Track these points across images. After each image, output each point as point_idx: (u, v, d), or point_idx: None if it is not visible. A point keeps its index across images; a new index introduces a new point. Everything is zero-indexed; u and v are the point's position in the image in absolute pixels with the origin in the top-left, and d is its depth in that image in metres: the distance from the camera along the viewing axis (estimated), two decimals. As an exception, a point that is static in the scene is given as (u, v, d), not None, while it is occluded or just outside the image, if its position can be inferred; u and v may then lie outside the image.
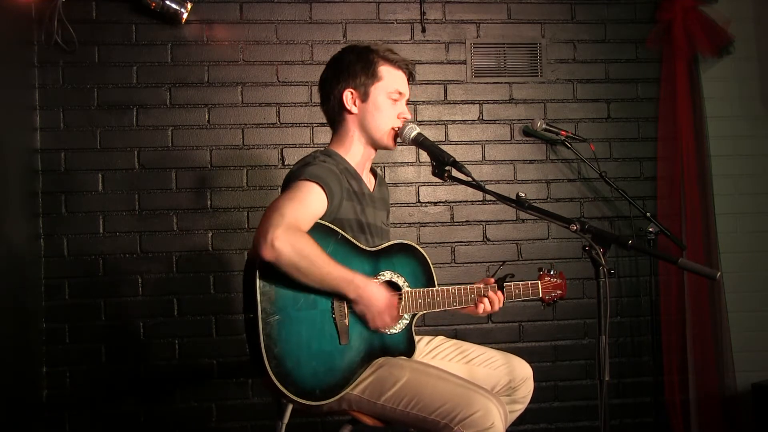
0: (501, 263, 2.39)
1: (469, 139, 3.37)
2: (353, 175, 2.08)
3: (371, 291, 1.91)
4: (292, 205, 1.83)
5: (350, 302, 1.92)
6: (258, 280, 1.81)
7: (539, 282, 2.28)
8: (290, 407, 1.97)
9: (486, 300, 2.14)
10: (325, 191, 1.90)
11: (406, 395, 1.87)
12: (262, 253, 1.75)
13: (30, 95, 3.09)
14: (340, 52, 2.15)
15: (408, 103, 2.17)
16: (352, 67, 2.07)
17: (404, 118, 2.11)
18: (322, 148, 2.14)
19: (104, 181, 3.15)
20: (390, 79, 2.08)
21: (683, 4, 3.34)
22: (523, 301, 2.33)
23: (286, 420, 2.00)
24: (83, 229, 3.11)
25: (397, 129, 2.09)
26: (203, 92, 3.21)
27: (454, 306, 2.13)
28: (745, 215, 3.49)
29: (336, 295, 1.90)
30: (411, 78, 2.16)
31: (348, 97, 2.08)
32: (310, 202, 1.87)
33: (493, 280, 2.20)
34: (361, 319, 1.94)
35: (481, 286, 2.16)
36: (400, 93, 2.10)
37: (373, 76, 2.06)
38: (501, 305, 2.17)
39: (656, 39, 3.41)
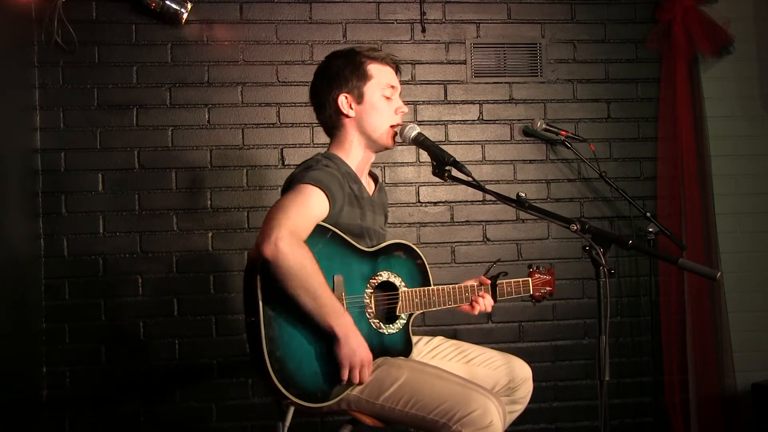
0: (494, 262, 2.39)
1: (469, 139, 3.37)
2: (354, 179, 2.08)
3: (359, 339, 1.86)
4: (296, 207, 1.83)
5: (335, 339, 1.84)
6: (259, 283, 1.80)
7: (530, 279, 2.31)
8: (292, 409, 1.97)
9: (480, 300, 2.17)
10: (327, 196, 1.90)
11: (405, 395, 1.87)
12: (263, 249, 1.75)
13: (30, 95, 3.09)
14: (325, 60, 2.14)
15: (408, 103, 2.17)
16: (342, 71, 2.07)
17: (402, 111, 2.11)
18: (324, 151, 2.14)
19: (104, 181, 3.15)
20: (380, 76, 2.08)
21: (683, 4, 3.34)
22: (515, 298, 2.34)
23: (288, 422, 2.00)
24: (83, 229, 3.12)
25: (396, 127, 2.09)
26: (203, 92, 3.21)
27: (449, 305, 2.15)
28: (745, 215, 3.49)
29: (336, 295, 1.88)
30: (398, 71, 2.16)
31: (343, 101, 2.08)
32: (312, 207, 1.87)
33: (485, 277, 2.22)
34: (340, 362, 1.85)
35: (475, 284, 2.20)
36: (392, 87, 2.10)
37: (363, 76, 2.07)
38: (491, 306, 2.20)
39: (656, 39, 3.41)
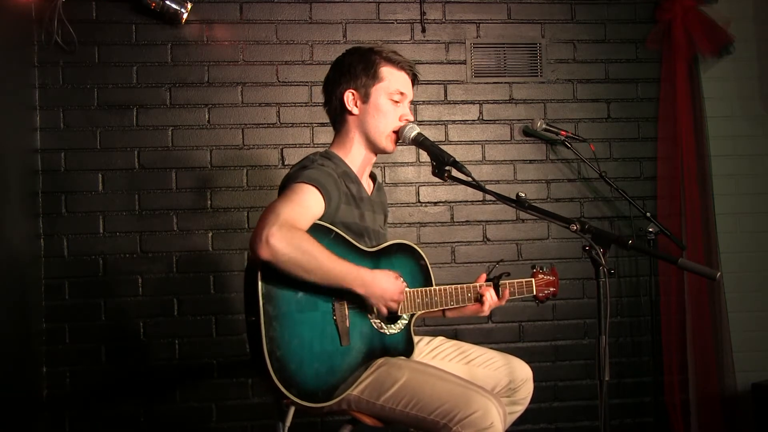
0: (497, 262, 2.39)
1: (469, 139, 3.37)
2: (352, 178, 2.08)
3: (380, 282, 1.91)
4: (288, 205, 1.82)
5: (358, 298, 1.89)
6: (260, 283, 1.80)
7: (533, 279, 2.30)
8: (292, 409, 1.97)
9: (487, 294, 2.17)
10: (322, 194, 1.89)
11: (406, 395, 1.87)
12: (259, 253, 1.74)
13: (30, 95, 3.09)
14: (344, 53, 2.15)
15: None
16: (354, 68, 2.07)
17: (407, 119, 2.09)
18: (323, 150, 2.13)
19: (104, 181, 3.15)
20: (391, 81, 2.07)
21: (683, 4, 3.34)
22: (519, 299, 2.34)
23: (288, 422, 2.00)
24: (83, 229, 3.12)
25: (397, 130, 2.09)
26: (203, 92, 3.21)
27: (452, 305, 2.14)
28: (745, 215, 3.49)
29: (339, 294, 1.88)
30: (415, 80, 2.16)
31: (349, 97, 2.08)
32: (306, 204, 1.86)
33: (485, 276, 2.22)
34: (374, 310, 1.95)
35: (478, 285, 2.20)
36: (401, 94, 2.08)
37: (374, 77, 2.06)
38: (496, 302, 2.20)
39: (656, 39, 3.41)
